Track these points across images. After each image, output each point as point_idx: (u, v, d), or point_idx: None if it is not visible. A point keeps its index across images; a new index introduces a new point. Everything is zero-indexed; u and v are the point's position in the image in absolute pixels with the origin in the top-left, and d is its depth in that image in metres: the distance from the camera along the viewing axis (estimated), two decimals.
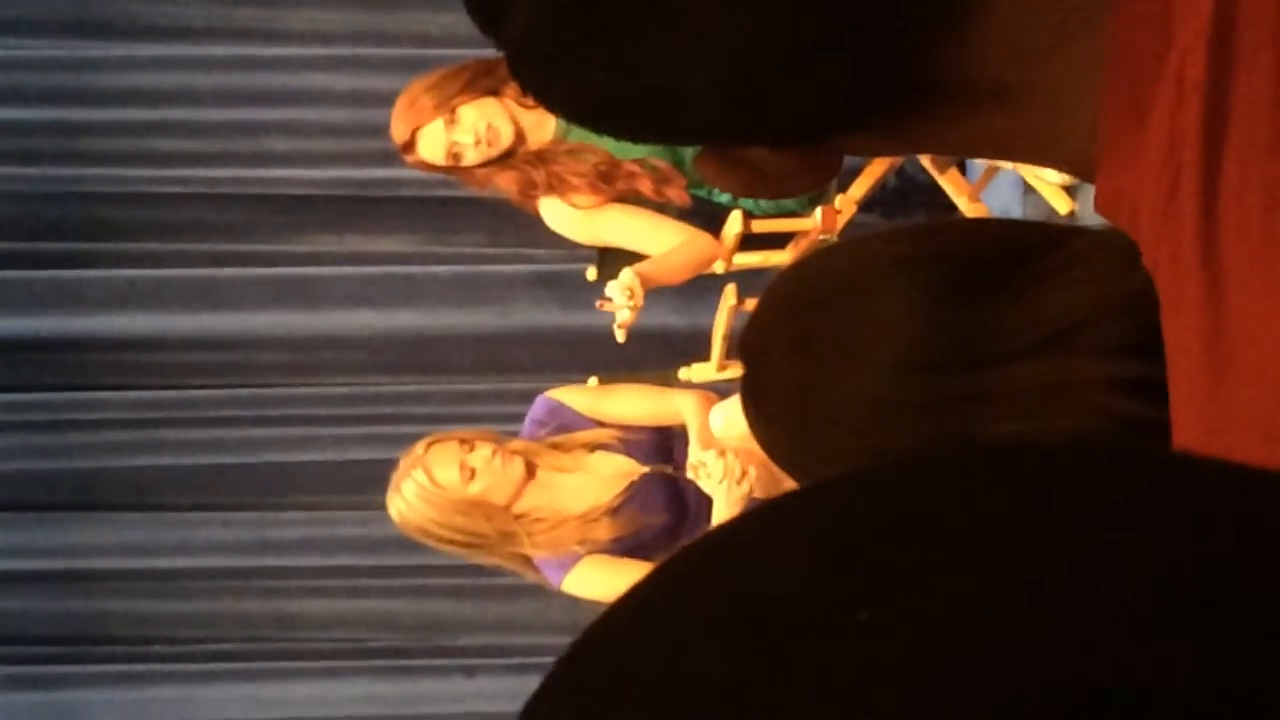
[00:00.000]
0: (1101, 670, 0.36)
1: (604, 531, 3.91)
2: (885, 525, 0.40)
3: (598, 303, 4.02)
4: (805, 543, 0.41)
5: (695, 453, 3.79)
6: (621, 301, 3.92)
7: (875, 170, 4.58)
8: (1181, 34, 0.70)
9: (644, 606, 0.41)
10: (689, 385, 4.40)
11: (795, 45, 0.74)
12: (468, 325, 5.40)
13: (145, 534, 5.38)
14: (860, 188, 4.56)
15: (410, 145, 4.16)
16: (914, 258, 1.14)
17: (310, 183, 5.39)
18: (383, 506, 3.95)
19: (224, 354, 5.39)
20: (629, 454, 4.03)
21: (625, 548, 3.91)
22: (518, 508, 3.91)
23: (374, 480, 4.09)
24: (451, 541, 3.92)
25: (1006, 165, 4.49)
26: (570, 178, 4.17)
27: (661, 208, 4.28)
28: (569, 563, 3.90)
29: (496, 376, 5.38)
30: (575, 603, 3.97)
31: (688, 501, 3.97)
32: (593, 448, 4.04)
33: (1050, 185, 4.48)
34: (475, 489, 3.87)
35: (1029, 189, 4.87)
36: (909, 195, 5.20)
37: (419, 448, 3.91)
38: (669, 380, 4.45)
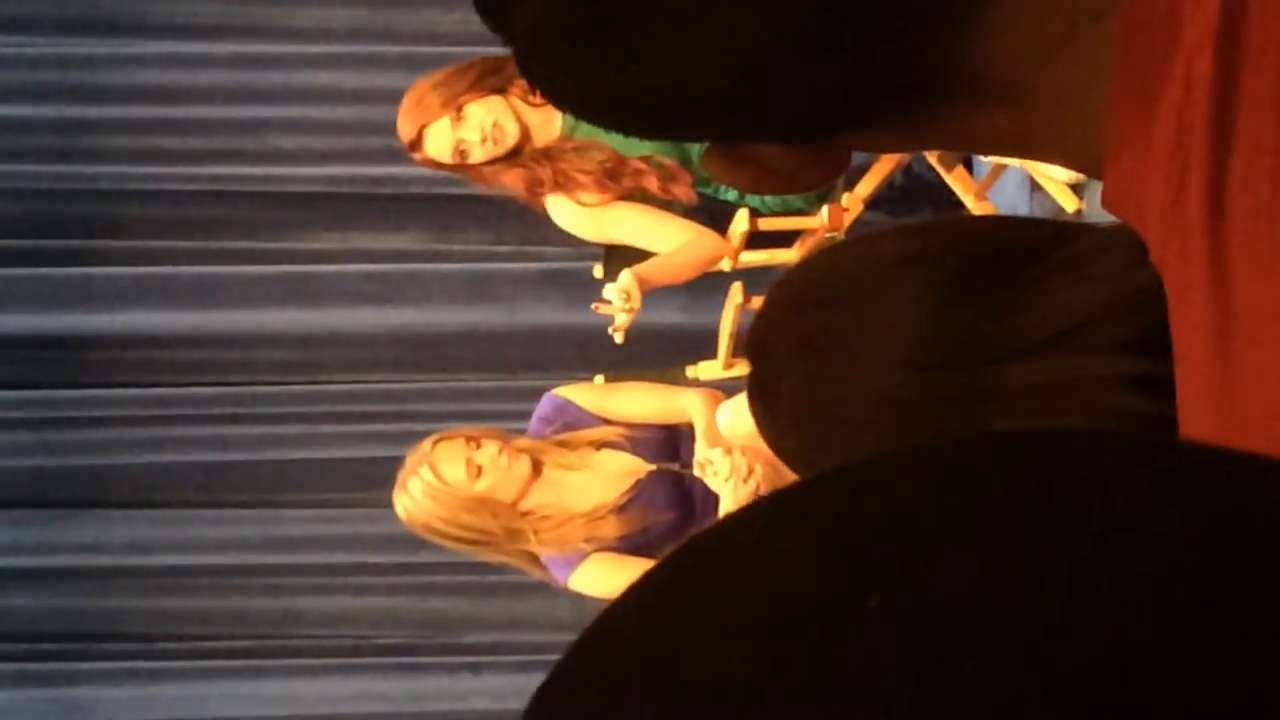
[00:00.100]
0: (1103, 667, 0.35)
1: (610, 529, 3.91)
2: (892, 514, 0.40)
3: (593, 305, 4.02)
4: (811, 532, 0.41)
5: (702, 450, 3.79)
6: (618, 304, 3.92)
7: (882, 168, 4.57)
8: (1190, 30, 0.70)
9: (649, 600, 0.41)
10: (695, 383, 4.40)
11: (801, 41, 0.74)
12: (474, 323, 5.41)
13: (151, 531, 5.38)
14: (867, 186, 4.56)
15: (417, 143, 4.16)
16: (921, 255, 1.14)
17: (316, 180, 5.39)
18: (389, 504, 3.95)
19: (230, 351, 5.39)
20: (635, 452, 4.03)
21: (632, 545, 3.91)
22: (524, 505, 3.92)
23: (380, 477, 4.10)
24: (458, 539, 3.92)
25: (1013, 163, 4.48)
26: (577, 175, 4.17)
27: (668, 205, 4.28)
28: (575, 560, 3.90)
29: (503, 374, 5.39)
30: (581, 600, 3.97)
31: (694, 499, 3.97)
32: (599, 445, 4.04)
33: (1057, 183, 4.48)
34: (482, 486, 3.87)
35: (1036, 187, 4.86)
36: (916, 193, 5.20)
37: (425, 445, 3.91)
38: (675, 378, 4.45)
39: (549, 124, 4.19)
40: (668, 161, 4.18)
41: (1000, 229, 1.20)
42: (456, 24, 5.16)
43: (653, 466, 4.01)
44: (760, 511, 0.43)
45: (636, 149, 4.13)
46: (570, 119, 4.15)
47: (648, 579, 0.42)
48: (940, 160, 4.58)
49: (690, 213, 4.30)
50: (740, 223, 4.28)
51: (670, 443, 4.05)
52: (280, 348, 5.41)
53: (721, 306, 4.50)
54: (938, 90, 0.76)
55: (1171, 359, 0.74)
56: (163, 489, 5.41)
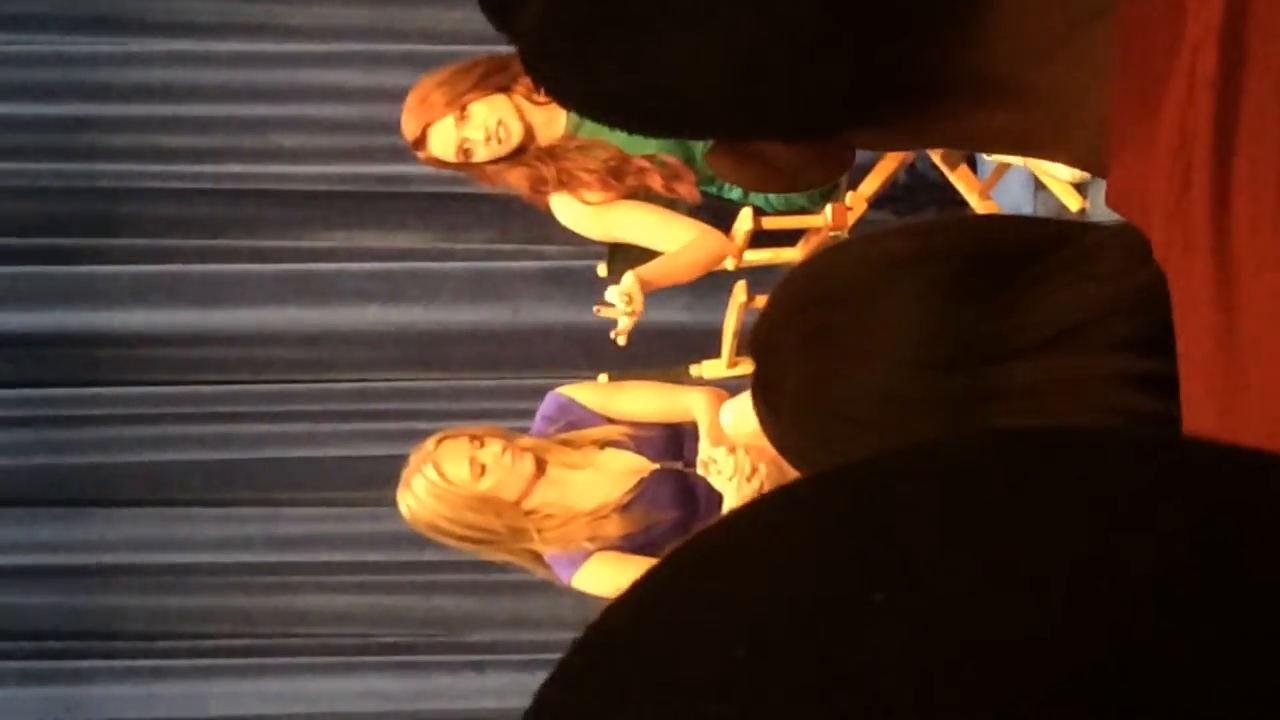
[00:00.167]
0: (1103, 667, 0.35)
1: (614, 528, 3.91)
2: (895, 512, 0.40)
3: (595, 307, 4.02)
4: (814, 529, 0.41)
5: (706, 449, 3.79)
6: (620, 307, 3.92)
7: (886, 167, 4.57)
8: (1193, 28, 0.70)
9: (652, 597, 0.41)
10: (699, 382, 4.40)
11: (803, 40, 0.74)
12: (478, 321, 5.41)
13: (154, 529, 5.39)
14: (871, 184, 4.56)
15: (421, 142, 4.16)
16: (924, 254, 1.14)
17: (320, 179, 5.40)
18: (393, 502, 3.95)
19: (234, 349, 5.39)
20: (639, 451, 4.03)
21: (635, 544, 3.91)
22: (528, 504, 3.92)
23: (384, 476, 4.10)
24: (461, 537, 3.92)
25: (1017, 162, 4.49)
26: (581, 174, 4.17)
27: (672, 204, 4.28)
28: (579, 559, 3.90)
29: (507, 373, 5.39)
30: (585, 599, 3.97)
31: (698, 498, 3.98)
32: (603, 444, 4.04)
33: (1061, 182, 4.48)
34: (485, 485, 3.87)
35: (1040, 186, 4.86)
36: (920, 192, 5.20)
37: (429, 444, 3.92)
38: (679, 377, 4.46)
39: (553, 122, 4.19)
40: (671, 160, 4.18)
41: (1003, 228, 1.21)
42: (461, 22, 5.16)
43: (656, 465, 4.01)
44: (763, 508, 0.43)
45: (641, 147, 4.13)
46: (574, 117, 4.16)
47: (650, 576, 0.42)
48: (944, 159, 4.58)
49: (694, 211, 4.30)
50: (744, 221, 4.29)
51: (674, 441, 4.05)
52: (283, 346, 5.41)
53: (725, 305, 4.50)
54: (939, 89, 0.76)
55: (1175, 357, 0.74)
56: (166, 487, 5.41)
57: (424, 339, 5.42)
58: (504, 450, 3.90)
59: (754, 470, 3.64)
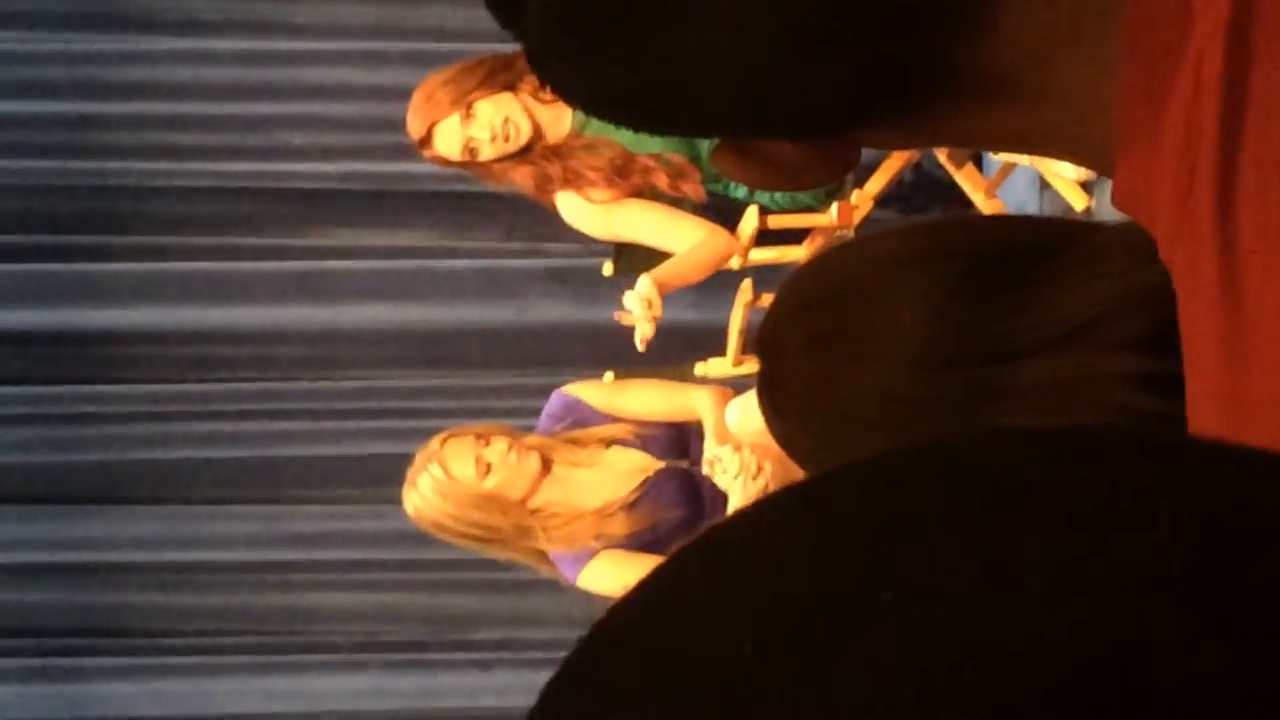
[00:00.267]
0: (1104, 667, 0.36)
1: (619, 527, 3.91)
2: (901, 511, 0.40)
3: (616, 314, 4.02)
4: (820, 528, 0.41)
5: (711, 448, 3.79)
6: (641, 313, 3.92)
7: (892, 166, 4.57)
8: (1200, 27, 0.70)
9: (658, 596, 0.42)
10: (705, 380, 4.40)
11: (808, 39, 0.74)
12: (484, 320, 5.41)
13: (160, 527, 5.39)
14: (877, 183, 4.56)
15: (426, 140, 4.16)
16: (930, 254, 1.14)
17: (326, 177, 5.40)
18: (398, 500, 3.95)
19: (239, 348, 5.40)
20: (645, 449, 4.03)
21: (641, 543, 3.91)
22: (533, 503, 3.92)
23: (389, 474, 4.10)
24: (467, 536, 3.92)
25: (1023, 161, 4.48)
26: (586, 172, 4.17)
27: (677, 202, 4.28)
28: (584, 558, 3.90)
29: (512, 371, 5.39)
30: (590, 597, 3.97)
31: (703, 497, 3.98)
32: (609, 443, 4.04)
33: (1066, 181, 4.48)
34: (491, 484, 3.87)
35: (1045, 185, 4.86)
36: (925, 191, 5.19)
37: (435, 442, 3.92)
38: (685, 375, 4.46)
39: (559, 121, 4.19)
40: (677, 159, 4.18)
41: (1009, 227, 1.21)
42: (466, 20, 5.16)
43: (662, 464, 4.01)
44: (768, 508, 0.43)
45: (646, 146, 4.13)
46: (580, 116, 4.15)
47: (657, 575, 0.42)
48: (950, 158, 4.58)
49: (699, 210, 4.30)
50: (750, 220, 4.28)
51: (679, 440, 4.05)
52: (289, 344, 5.41)
53: (731, 304, 4.50)
54: (946, 88, 0.76)
55: (1180, 356, 0.74)
56: (172, 485, 5.41)
57: (429, 337, 5.42)
58: (509, 449, 3.90)
59: (759, 469, 3.64)
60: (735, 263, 4.36)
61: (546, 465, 3.96)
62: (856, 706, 0.36)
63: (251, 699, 5.35)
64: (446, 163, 4.21)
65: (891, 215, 4.94)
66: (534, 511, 3.91)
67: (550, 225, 4.55)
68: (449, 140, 4.13)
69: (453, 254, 5.47)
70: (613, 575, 3.84)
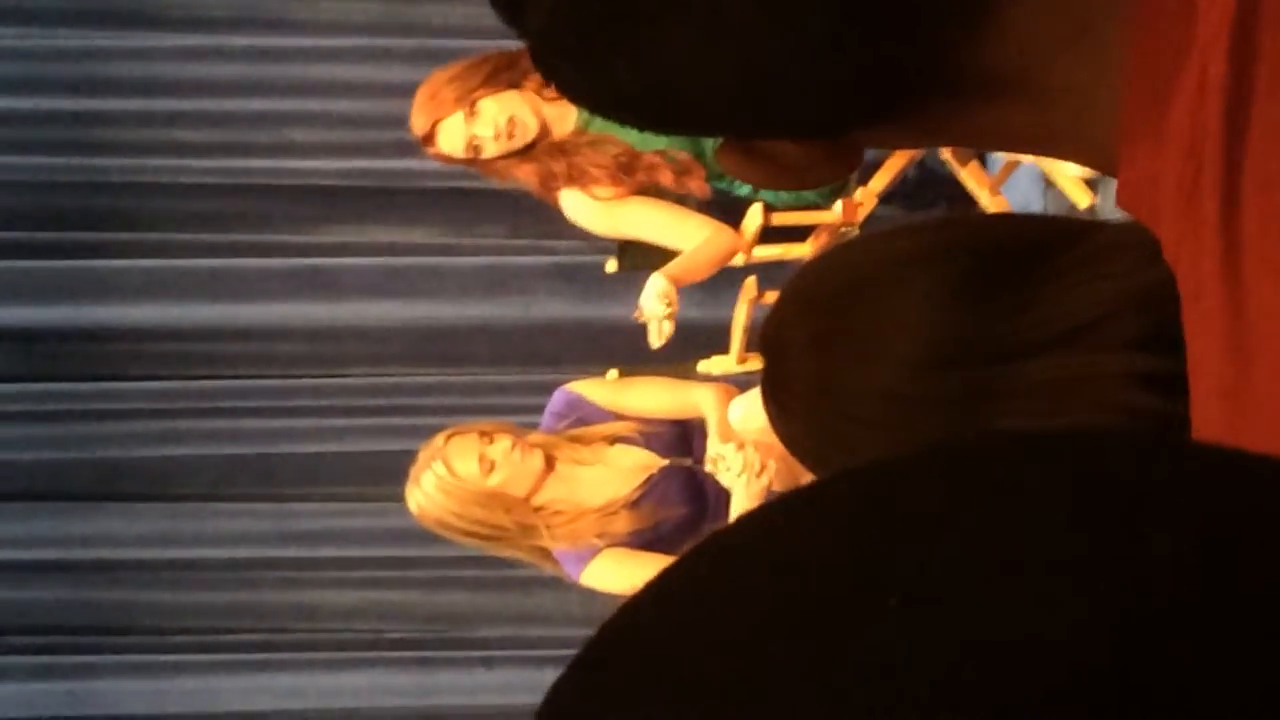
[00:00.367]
0: (1105, 669, 0.36)
1: (623, 524, 3.91)
2: (908, 515, 0.41)
3: (635, 314, 4.01)
4: (828, 532, 0.41)
5: (714, 446, 3.79)
6: (660, 310, 3.91)
7: (896, 163, 4.57)
8: (1204, 27, 0.70)
9: (668, 597, 0.42)
10: (708, 378, 4.40)
11: (810, 39, 0.74)
12: (488, 317, 5.41)
13: (165, 524, 5.40)
14: (881, 180, 4.56)
15: (430, 138, 4.16)
16: (933, 252, 1.14)
17: (331, 174, 5.40)
18: (402, 498, 3.95)
19: (244, 344, 5.40)
20: (648, 447, 4.03)
21: (644, 541, 3.91)
22: (537, 500, 3.92)
23: (393, 472, 4.10)
24: (470, 533, 3.92)
25: (1027, 158, 4.48)
26: (591, 169, 4.17)
27: (682, 200, 4.28)
28: (587, 555, 3.90)
29: (516, 368, 5.39)
30: (593, 595, 3.97)
31: (707, 494, 3.98)
32: (612, 441, 4.04)
33: (1071, 179, 4.47)
34: (494, 481, 3.87)
35: (1049, 182, 4.86)
36: (929, 188, 5.19)
37: (438, 440, 3.92)
38: (688, 373, 4.46)
39: (563, 118, 4.19)
40: (682, 156, 4.18)
41: (1013, 226, 1.21)
42: (471, 17, 5.16)
43: (665, 462, 4.01)
44: (776, 511, 0.43)
45: (651, 143, 4.13)
46: (585, 113, 4.15)
47: (666, 576, 0.42)
48: (954, 156, 4.58)
49: (704, 207, 4.30)
50: (754, 217, 4.29)
51: (683, 438, 4.05)
52: (293, 341, 5.42)
53: (735, 301, 4.50)
54: (949, 88, 0.76)
55: (1184, 357, 0.74)
56: (176, 482, 5.42)
57: (434, 334, 5.42)
58: (513, 446, 3.91)
59: (763, 467, 3.64)
60: (739, 260, 4.36)
61: (550, 463, 3.96)
62: (857, 707, 0.36)
63: (254, 696, 5.36)
64: (450, 160, 4.21)
65: (895, 212, 4.93)
66: (537, 509, 3.92)
67: (555, 222, 4.55)
68: (453, 138, 4.14)
69: (457, 251, 5.47)
70: (616, 573, 3.84)
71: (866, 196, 4.49)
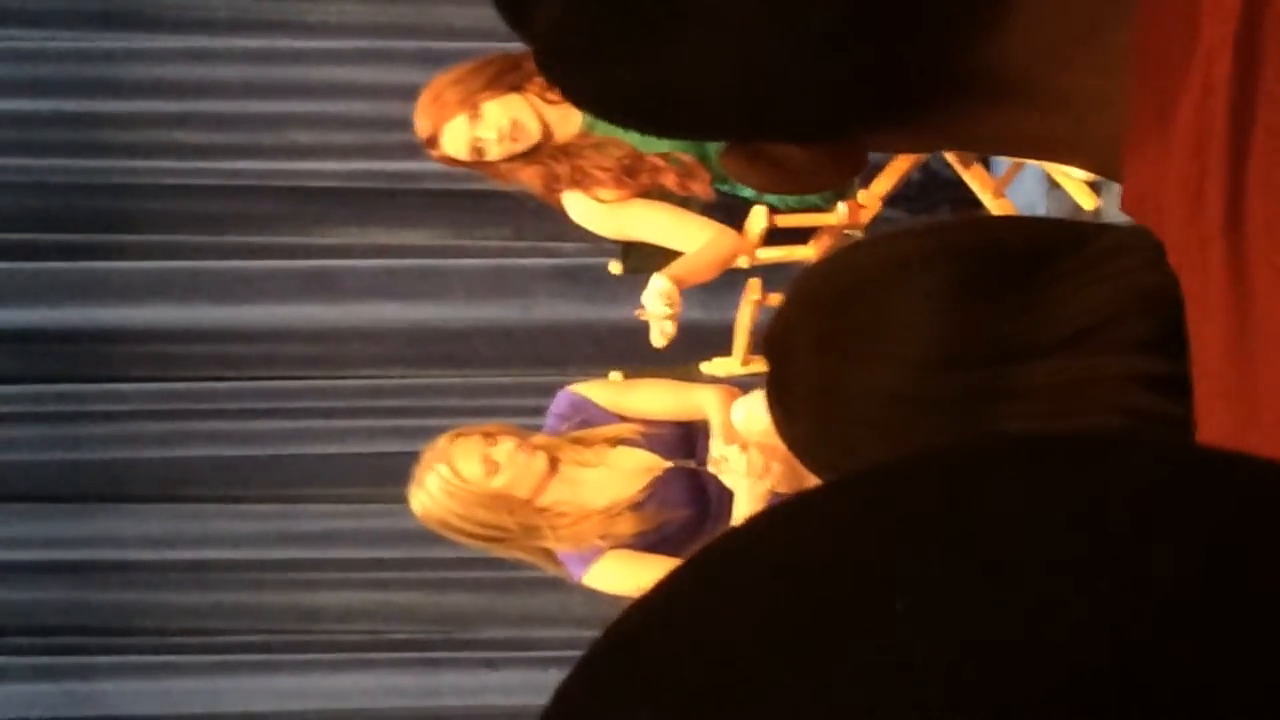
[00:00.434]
0: (1106, 670, 0.36)
1: (626, 526, 3.91)
2: (907, 516, 0.41)
3: (636, 312, 4.01)
4: (834, 535, 0.41)
5: (718, 447, 3.79)
6: (662, 311, 3.91)
7: (900, 165, 4.57)
8: (1209, 32, 0.70)
9: (673, 599, 0.42)
10: (711, 379, 4.40)
11: (817, 41, 0.74)
12: (491, 318, 5.41)
13: (168, 525, 5.40)
14: (885, 183, 4.56)
15: (434, 140, 4.16)
16: (937, 255, 1.14)
17: (334, 175, 5.40)
18: (406, 499, 3.95)
19: (247, 346, 5.40)
20: (651, 448, 4.03)
21: (647, 542, 3.91)
22: (540, 502, 3.92)
23: (397, 473, 4.10)
24: (473, 535, 3.92)
25: (1031, 161, 4.48)
26: (594, 172, 4.17)
27: (686, 202, 4.28)
28: (591, 557, 3.90)
29: (520, 370, 5.39)
30: (597, 597, 3.97)
31: (710, 496, 3.98)
32: (615, 442, 4.04)
33: (1075, 181, 4.48)
34: (498, 483, 3.87)
35: (1054, 184, 4.86)
36: (933, 190, 5.19)
37: (442, 441, 3.92)
38: (691, 374, 4.46)
39: (567, 120, 4.19)
40: (685, 158, 4.18)
41: (1017, 229, 1.21)
42: (475, 20, 5.16)
43: (669, 463, 4.01)
44: (781, 515, 0.43)
45: (655, 146, 4.13)
46: (588, 116, 4.15)
47: (671, 578, 0.42)
48: (958, 158, 4.58)
49: (707, 209, 4.30)
50: (758, 219, 4.29)
51: (686, 439, 4.05)
52: (297, 342, 5.42)
53: (738, 303, 4.50)
54: (953, 91, 0.76)
55: (1188, 359, 0.74)
56: (180, 484, 5.42)
57: (437, 336, 5.42)
58: (517, 448, 3.91)
59: (766, 469, 3.64)
60: (743, 261, 4.36)
61: (554, 464, 3.96)
62: (858, 709, 0.36)
63: (258, 697, 5.36)
64: (454, 163, 4.21)
65: (899, 215, 4.94)
66: (541, 510, 3.91)
67: (558, 224, 4.55)
68: (456, 140, 4.14)
69: (461, 253, 5.47)
70: (619, 574, 3.84)
71: (870, 199, 4.49)
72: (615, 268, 4.67)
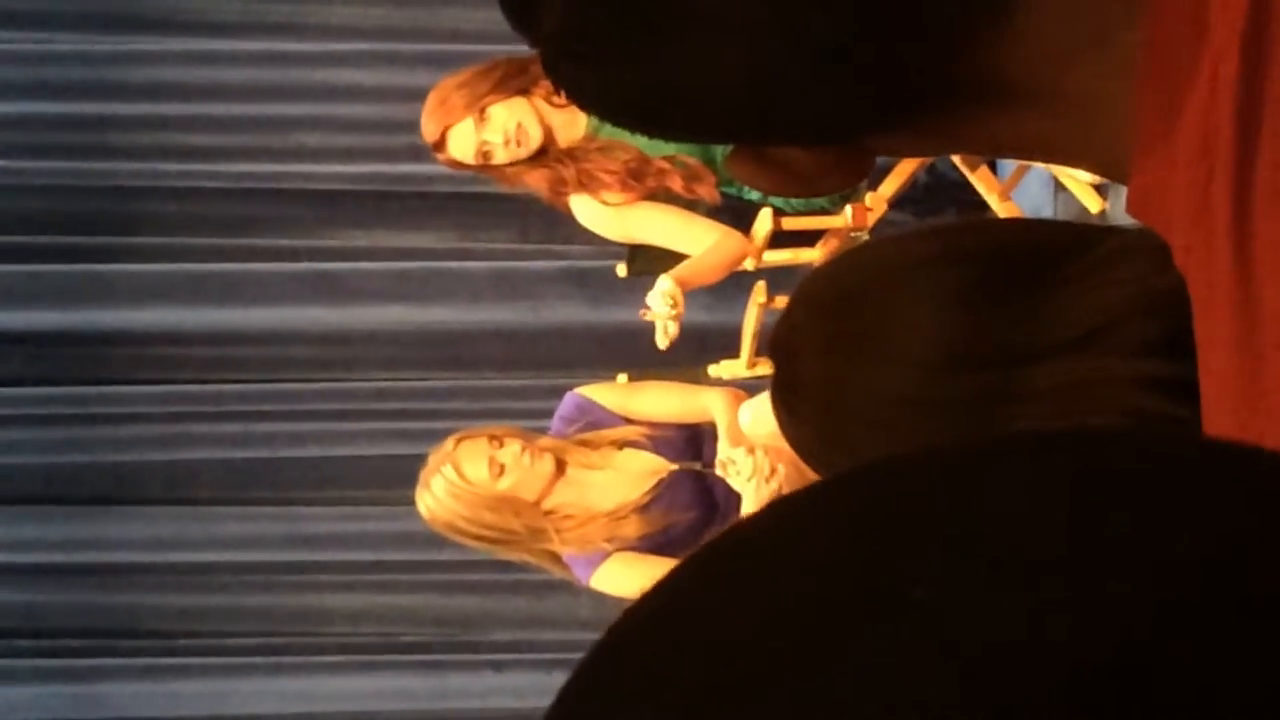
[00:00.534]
0: (1106, 670, 0.36)
1: (632, 529, 3.91)
2: (909, 512, 0.41)
3: (641, 312, 4.02)
4: (832, 532, 0.41)
5: (724, 450, 3.79)
6: (665, 311, 3.92)
7: (906, 168, 4.57)
8: (1216, 35, 0.70)
9: (674, 597, 0.42)
10: (718, 382, 4.40)
11: (824, 44, 0.74)
12: (498, 321, 5.41)
13: (175, 528, 5.40)
14: (891, 185, 4.56)
15: (440, 144, 4.16)
16: (944, 257, 1.14)
17: (341, 178, 5.41)
18: (412, 502, 3.96)
19: (254, 349, 5.40)
20: (658, 451, 4.03)
21: (653, 545, 3.91)
22: (547, 504, 3.92)
23: (404, 475, 4.10)
24: (480, 537, 3.92)
25: (1037, 163, 4.48)
26: (601, 175, 4.17)
27: (692, 205, 4.28)
28: (597, 559, 3.90)
29: (526, 373, 5.39)
30: (603, 599, 3.97)
31: (716, 499, 3.98)
32: (621, 445, 4.04)
33: (1081, 184, 4.47)
34: (504, 485, 3.88)
35: (1060, 187, 4.86)
36: (940, 193, 5.19)
37: (448, 444, 3.92)
38: (698, 377, 4.46)
39: (573, 124, 4.19)
40: (692, 161, 4.18)
41: (1024, 231, 1.21)
42: (482, 22, 5.16)
43: (675, 466, 4.01)
44: (778, 512, 0.43)
45: (661, 149, 4.13)
46: (595, 119, 4.15)
47: (669, 579, 0.42)
48: (965, 160, 4.57)
49: (714, 212, 4.30)
50: (764, 222, 4.28)
51: (693, 442, 4.05)
52: (303, 345, 5.42)
53: (744, 305, 4.50)
54: (960, 94, 0.76)
55: (1195, 362, 0.74)
56: (185, 486, 5.42)
57: (444, 338, 5.42)
58: (523, 450, 3.91)
59: (772, 471, 3.64)
60: (749, 264, 4.36)
61: (560, 467, 3.96)
62: (859, 708, 0.36)
63: (264, 700, 5.36)
64: (461, 166, 4.22)
65: (906, 217, 4.93)
66: (547, 513, 3.92)
67: (565, 226, 4.56)
68: (463, 144, 4.14)
69: (467, 255, 5.48)
70: (626, 577, 3.84)
71: (876, 201, 4.48)
72: (622, 270, 4.68)
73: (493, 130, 4.11)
